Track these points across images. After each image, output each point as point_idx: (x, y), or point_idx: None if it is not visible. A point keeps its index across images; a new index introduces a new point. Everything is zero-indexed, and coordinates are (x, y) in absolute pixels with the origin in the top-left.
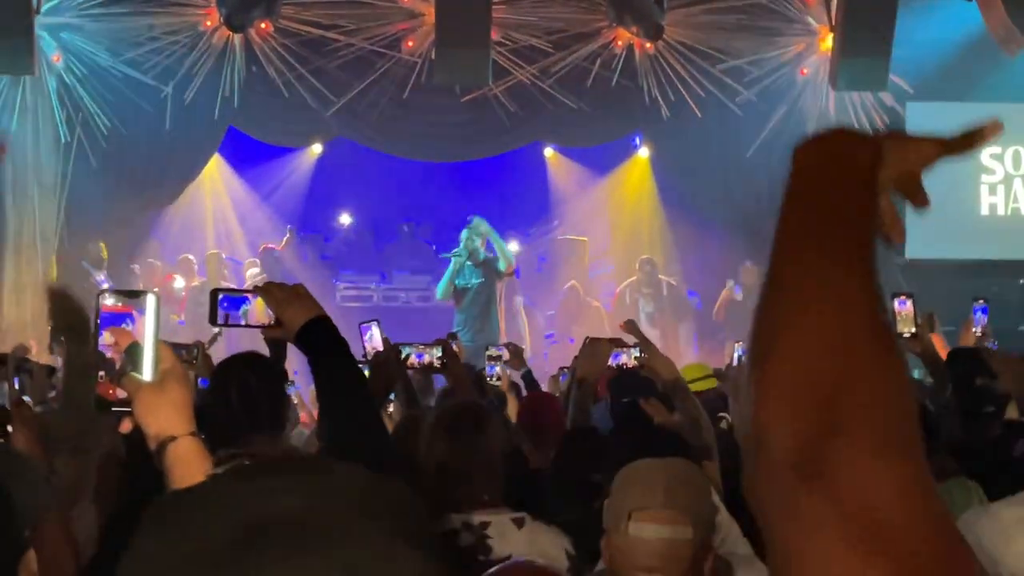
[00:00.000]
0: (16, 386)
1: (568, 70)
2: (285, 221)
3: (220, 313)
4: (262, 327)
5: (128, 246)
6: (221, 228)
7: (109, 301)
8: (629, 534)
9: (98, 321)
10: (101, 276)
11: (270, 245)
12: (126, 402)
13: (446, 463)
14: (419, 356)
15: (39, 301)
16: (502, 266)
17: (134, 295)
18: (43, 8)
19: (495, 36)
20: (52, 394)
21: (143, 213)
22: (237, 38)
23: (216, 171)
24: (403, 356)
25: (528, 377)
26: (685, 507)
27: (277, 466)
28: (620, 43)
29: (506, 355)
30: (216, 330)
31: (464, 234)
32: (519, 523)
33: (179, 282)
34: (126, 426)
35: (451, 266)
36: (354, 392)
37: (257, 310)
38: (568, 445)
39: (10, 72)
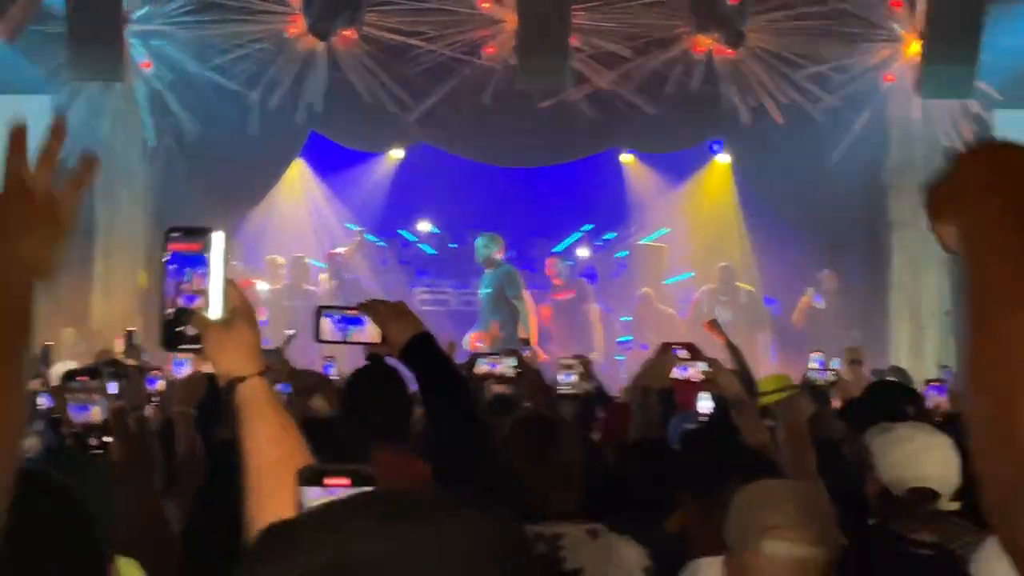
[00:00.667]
0: (115, 392)
1: (647, 76)
2: (364, 225)
3: (324, 329)
4: (367, 344)
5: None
6: (301, 232)
7: (176, 239)
8: (763, 552)
9: (165, 259)
10: None
11: (337, 250)
12: (195, 340)
13: (521, 476)
14: (492, 366)
15: (127, 303)
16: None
17: (202, 232)
18: (134, 16)
19: (574, 42)
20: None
21: (227, 217)
22: (321, 45)
23: (298, 176)
24: (477, 366)
25: (598, 391)
26: (817, 528)
27: (370, 505)
28: (700, 49)
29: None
30: (290, 332)
31: (479, 241)
32: (594, 534)
33: (261, 285)
34: (195, 365)
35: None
36: (459, 406)
37: (363, 327)
38: (630, 456)
39: (101, 78)
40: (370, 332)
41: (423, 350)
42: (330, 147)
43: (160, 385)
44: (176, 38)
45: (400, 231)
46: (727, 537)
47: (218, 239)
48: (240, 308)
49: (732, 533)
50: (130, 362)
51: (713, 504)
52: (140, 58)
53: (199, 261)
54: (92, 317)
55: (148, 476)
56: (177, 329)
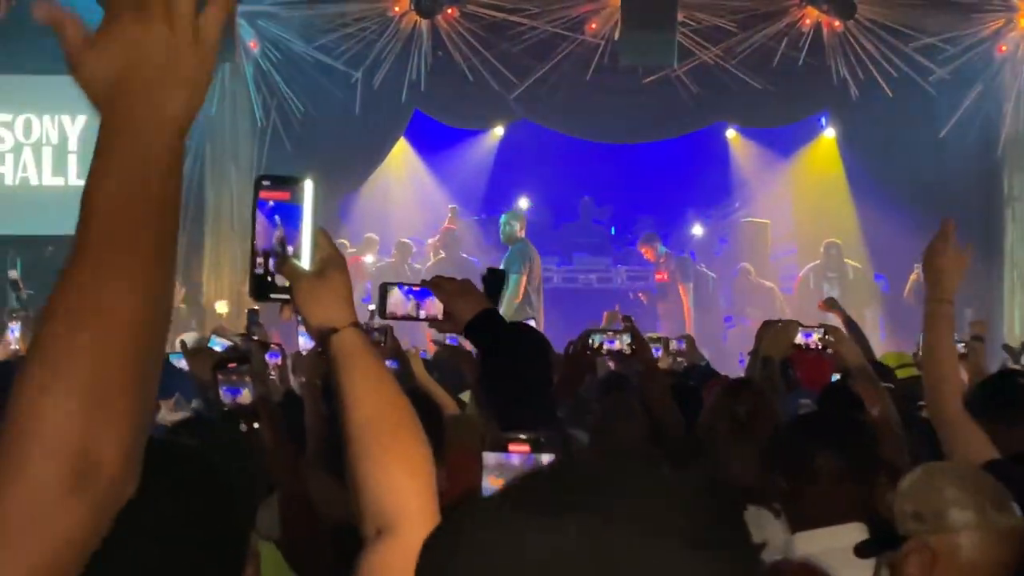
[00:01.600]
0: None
1: (753, 50)
2: (466, 203)
3: (390, 304)
4: (431, 320)
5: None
6: (405, 211)
7: (267, 188)
8: (995, 526)
9: (255, 208)
10: None
11: (449, 226)
12: (286, 290)
13: (715, 455)
14: (610, 342)
15: (235, 279)
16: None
17: (293, 181)
18: None
19: (679, 16)
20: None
21: (333, 196)
22: (424, 23)
23: (401, 154)
24: (594, 344)
25: (707, 368)
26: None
27: (561, 496)
28: (808, 22)
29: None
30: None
31: (503, 218)
32: (776, 513)
33: (369, 258)
34: (286, 314)
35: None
36: (524, 382)
37: (427, 303)
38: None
39: None
40: (435, 308)
41: (489, 326)
42: (431, 125)
43: (278, 360)
44: (282, 18)
45: (502, 209)
46: (903, 522)
47: (308, 188)
48: (331, 257)
49: (919, 515)
50: (253, 338)
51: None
52: (248, 38)
53: (290, 210)
54: (204, 293)
55: (295, 460)
56: (268, 278)
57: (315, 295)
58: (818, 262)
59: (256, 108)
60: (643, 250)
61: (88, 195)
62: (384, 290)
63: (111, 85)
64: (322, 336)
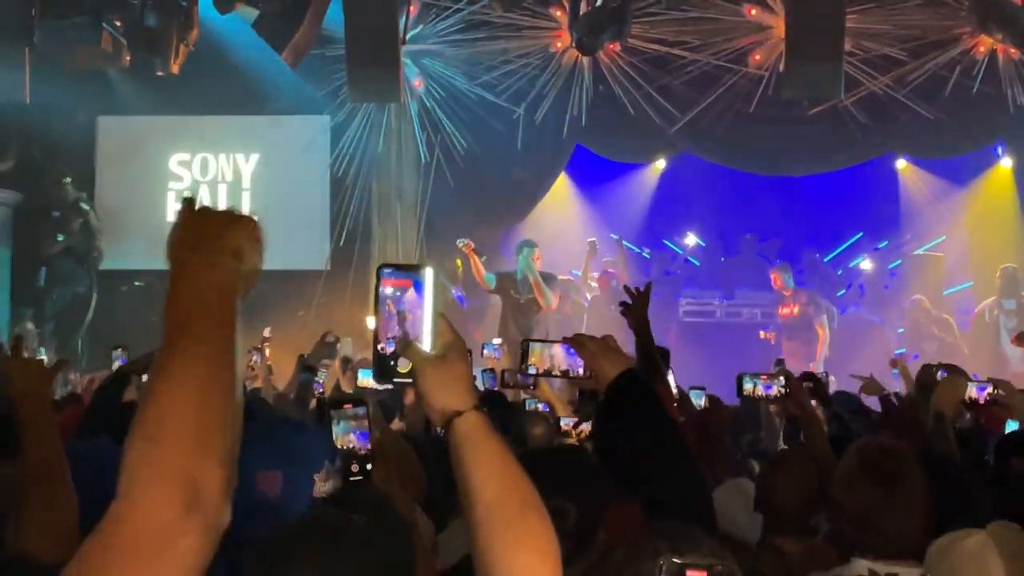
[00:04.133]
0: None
1: (924, 79)
2: (629, 237)
3: (532, 363)
4: (574, 378)
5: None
6: (564, 246)
7: (389, 276)
8: None
9: (378, 295)
10: (456, 290)
11: (609, 270)
12: (409, 374)
13: (867, 511)
14: (767, 388)
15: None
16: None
17: (414, 268)
18: (407, 37)
19: (847, 46)
20: None
21: (496, 230)
22: (585, 59)
23: (562, 188)
24: (750, 390)
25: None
26: None
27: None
28: (982, 49)
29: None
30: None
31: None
32: None
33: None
34: (410, 398)
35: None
36: (666, 448)
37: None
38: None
39: (378, 100)
40: (578, 366)
41: (633, 386)
42: (593, 159)
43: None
44: (447, 56)
45: (665, 241)
46: None
47: (428, 275)
48: (452, 342)
49: None
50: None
51: None
52: (412, 76)
53: (412, 296)
54: (369, 329)
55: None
56: (391, 362)
57: (437, 379)
58: (994, 298)
59: (420, 145)
60: (773, 277)
61: (168, 313)
62: (526, 347)
63: None
64: (444, 418)
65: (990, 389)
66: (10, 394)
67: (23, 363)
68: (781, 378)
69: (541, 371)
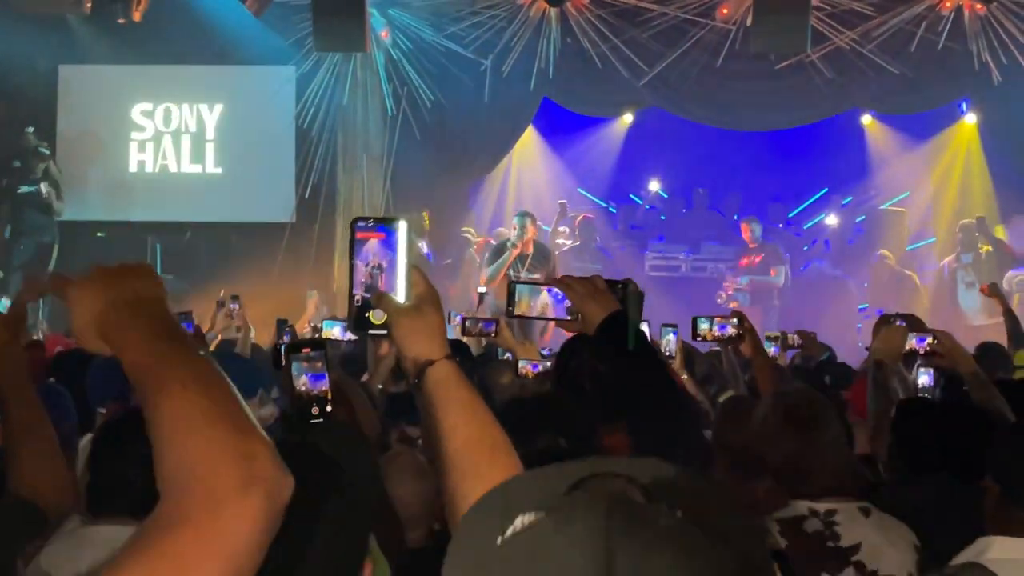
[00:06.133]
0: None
1: (890, 34)
2: (595, 191)
3: (519, 303)
4: (560, 320)
5: (448, 216)
6: (532, 199)
7: (363, 228)
8: None
9: (352, 247)
10: (423, 244)
11: (587, 215)
12: (383, 325)
13: (794, 456)
14: (722, 328)
15: None
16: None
17: (387, 221)
18: None
19: (814, 1)
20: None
21: (462, 184)
22: (553, 10)
23: (529, 142)
24: (705, 331)
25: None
26: None
27: (653, 515)
28: (948, 5)
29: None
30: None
31: (518, 221)
32: (866, 512)
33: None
34: (384, 349)
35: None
36: (657, 384)
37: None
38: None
39: (344, 49)
40: (564, 307)
41: (620, 327)
42: (560, 113)
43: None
44: (413, 7)
45: (631, 196)
46: None
47: (402, 227)
48: (425, 293)
49: None
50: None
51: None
52: (379, 27)
53: (386, 249)
54: (335, 279)
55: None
56: (366, 313)
57: (411, 329)
58: (955, 254)
59: (387, 96)
60: (743, 228)
61: (131, 368)
62: (512, 288)
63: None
64: (417, 368)
65: (930, 339)
66: None
67: None
68: (735, 319)
69: (528, 314)
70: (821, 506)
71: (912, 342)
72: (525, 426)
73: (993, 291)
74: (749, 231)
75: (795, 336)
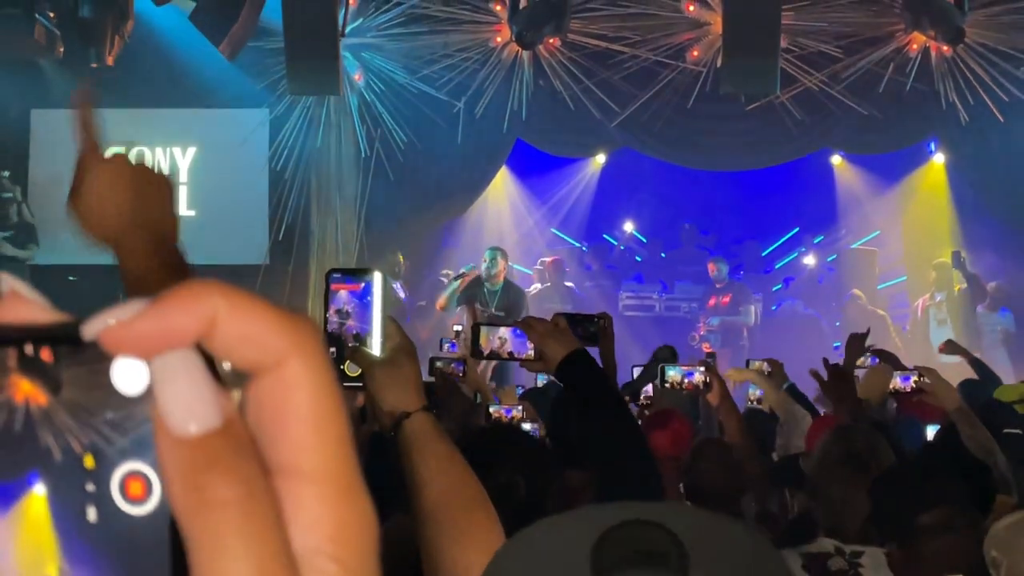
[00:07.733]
0: None
1: (859, 75)
2: (569, 231)
3: (483, 344)
4: (523, 360)
5: (423, 257)
6: (507, 239)
7: (338, 280)
8: None
9: (327, 300)
10: (398, 286)
11: (556, 257)
12: (359, 378)
13: (841, 495)
14: (689, 375)
15: None
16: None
17: (362, 272)
18: (347, 30)
19: (782, 43)
20: None
21: (436, 225)
22: (525, 53)
23: (502, 183)
24: (673, 380)
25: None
26: None
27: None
28: (915, 47)
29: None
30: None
31: (489, 254)
32: (890, 557)
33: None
34: (360, 401)
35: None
36: (617, 423)
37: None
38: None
39: (318, 92)
40: (526, 348)
41: (580, 367)
42: (532, 153)
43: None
44: (386, 50)
45: (605, 236)
46: (989, 566)
47: (377, 279)
48: (401, 345)
49: (996, 561)
50: None
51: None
52: (352, 70)
53: (361, 301)
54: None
55: None
56: (340, 366)
57: (387, 382)
58: (930, 293)
59: (360, 139)
60: (710, 266)
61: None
62: (476, 330)
63: None
64: (394, 420)
65: (915, 378)
66: None
67: None
68: (701, 367)
69: (494, 355)
70: (848, 547)
71: (896, 381)
72: (484, 459)
73: (951, 349)
74: (716, 270)
75: (764, 363)
